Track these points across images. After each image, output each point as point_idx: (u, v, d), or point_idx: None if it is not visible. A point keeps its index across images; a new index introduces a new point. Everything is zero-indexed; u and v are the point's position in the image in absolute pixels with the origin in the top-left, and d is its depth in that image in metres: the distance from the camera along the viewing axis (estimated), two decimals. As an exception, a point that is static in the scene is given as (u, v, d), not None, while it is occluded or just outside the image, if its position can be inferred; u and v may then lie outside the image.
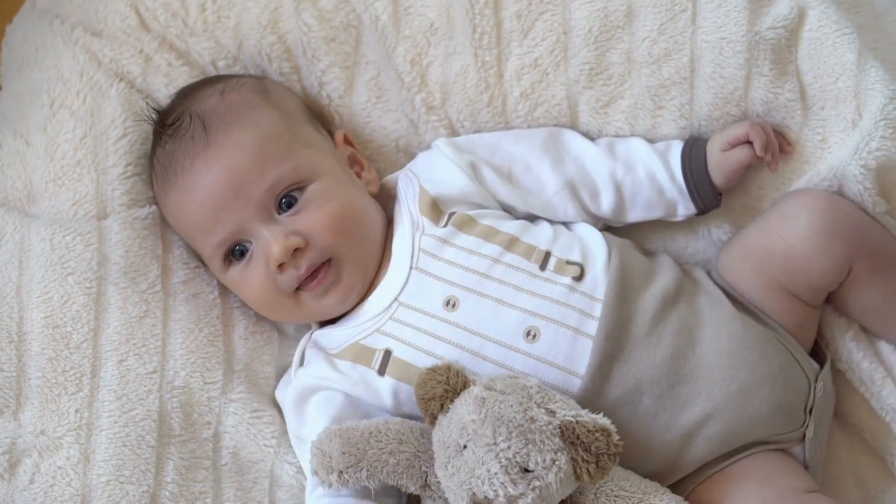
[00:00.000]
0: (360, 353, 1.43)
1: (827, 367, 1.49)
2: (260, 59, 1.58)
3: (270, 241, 1.42)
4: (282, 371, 1.55)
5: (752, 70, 1.48)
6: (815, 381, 1.46)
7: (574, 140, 1.54)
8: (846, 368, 1.52)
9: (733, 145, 1.47)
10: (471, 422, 1.26)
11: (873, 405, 1.51)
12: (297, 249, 1.42)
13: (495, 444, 1.24)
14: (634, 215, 1.54)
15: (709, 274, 1.52)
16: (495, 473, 1.23)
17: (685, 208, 1.52)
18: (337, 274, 1.45)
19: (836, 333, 1.52)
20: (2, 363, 1.43)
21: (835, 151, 1.49)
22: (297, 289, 1.44)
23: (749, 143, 1.46)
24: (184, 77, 1.57)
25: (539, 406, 1.27)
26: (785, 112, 1.50)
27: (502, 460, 1.24)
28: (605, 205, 1.52)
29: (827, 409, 1.49)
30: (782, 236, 1.44)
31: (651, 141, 1.54)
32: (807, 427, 1.44)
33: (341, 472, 1.32)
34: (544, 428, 1.25)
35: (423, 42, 1.55)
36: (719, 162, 1.49)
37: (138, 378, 1.44)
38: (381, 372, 1.41)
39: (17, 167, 1.52)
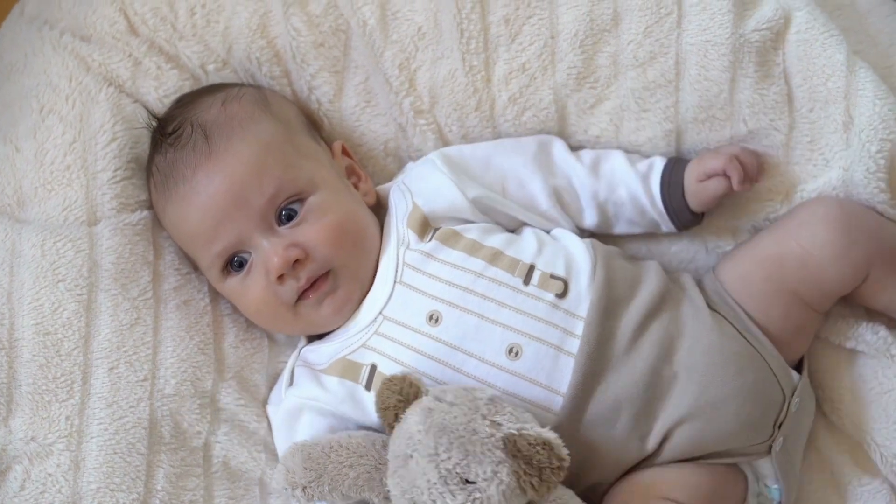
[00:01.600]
0: (346, 369, 1.44)
1: (805, 378, 1.49)
2: (249, 64, 1.58)
3: (270, 252, 1.42)
4: (272, 379, 1.56)
5: (737, 72, 1.48)
6: (792, 395, 1.45)
7: (561, 155, 1.55)
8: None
9: (709, 177, 1.48)
10: (416, 431, 1.27)
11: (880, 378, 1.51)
12: (296, 261, 1.42)
13: (437, 454, 1.25)
14: (619, 230, 1.57)
15: (699, 281, 1.52)
16: (434, 483, 1.24)
17: (667, 227, 1.54)
18: (334, 284, 1.45)
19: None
20: (-8, 370, 1.43)
21: (828, 155, 1.49)
22: (296, 302, 1.45)
23: (725, 175, 1.47)
24: (173, 81, 1.57)
25: (484, 418, 1.28)
26: (773, 114, 1.49)
27: (442, 471, 1.25)
28: (589, 222, 1.55)
29: (803, 420, 1.49)
30: (799, 242, 1.44)
31: (634, 147, 1.55)
32: (773, 440, 1.43)
33: (304, 486, 1.33)
34: (486, 440, 1.25)
35: (410, 46, 1.55)
36: (695, 192, 1.50)
37: (129, 386, 1.44)
38: (368, 387, 1.41)
39: (7, 173, 1.52)
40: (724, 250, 1.57)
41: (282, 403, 1.49)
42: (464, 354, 1.39)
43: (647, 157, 1.55)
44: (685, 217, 1.52)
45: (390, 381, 1.33)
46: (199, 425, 1.48)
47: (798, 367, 1.50)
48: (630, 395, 1.37)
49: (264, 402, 1.54)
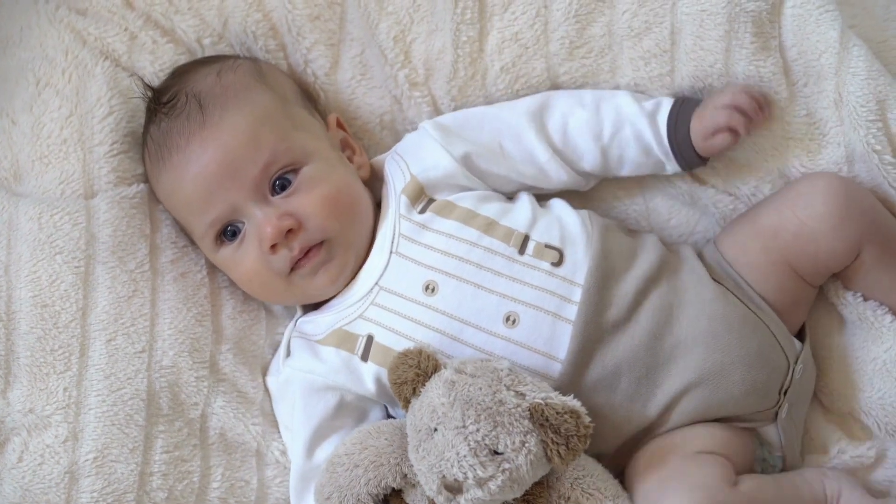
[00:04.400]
0: (343, 339, 1.44)
1: (807, 346, 1.50)
2: (245, 37, 1.58)
3: (264, 222, 1.42)
4: (270, 349, 1.57)
5: (731, 42, 1.48)
6: (795, 362, 1.46)
7: (559, 102, 1.52)
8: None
9: (714, 133, 1.46)
10: (440, 405, 1.27)
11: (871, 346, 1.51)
12: (289, 231, 1.42)
13: (464, 426, 1.25)
14: (624, 172, 1.53)
15: (699, 253, 1.52)
16: (464, 456, 1.24)
17: (672, 168, 1.51)
18: (328, 254, 1.45)
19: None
20: (-10, 342, 1.43)
21: (823, 129, 1.49)
22: (289, 272, 1.45)
23: (729, 129, 1.46)
24: (169, 54, 1.57)
25: (508, 389, 1.28)
26: (769, 87, 1.49)
27: (471, 443, 1.25)
28: (590, 164, 1.51)
29: (805, 388, 1.51)
30: (795, 213, 1.45)
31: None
32: (779, 407, 1.45)
33: None
34: (513, 410, 1.26)
35: (406, 18, 1.55)
36: (702, 148, 1.48)
37: (127, 357, 1.45)
38: (364, 358, 1.42)
39: (4, 146, 1.52)
40: (724, 216, 1.57)
41: (279, 374, 1.50)
42: (461, 323, 1.40)
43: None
44: (692, 159, 1.49)
45: (405, 356, 1.33)
46: (196, 396, 1.48)
47: (799, 337, 1.51)
48: (630, 360, 1.38)
49: (263, 373, 1.54)
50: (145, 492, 1.42)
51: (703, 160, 1.50)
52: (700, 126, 1.47)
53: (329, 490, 1.34)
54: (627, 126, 1.49)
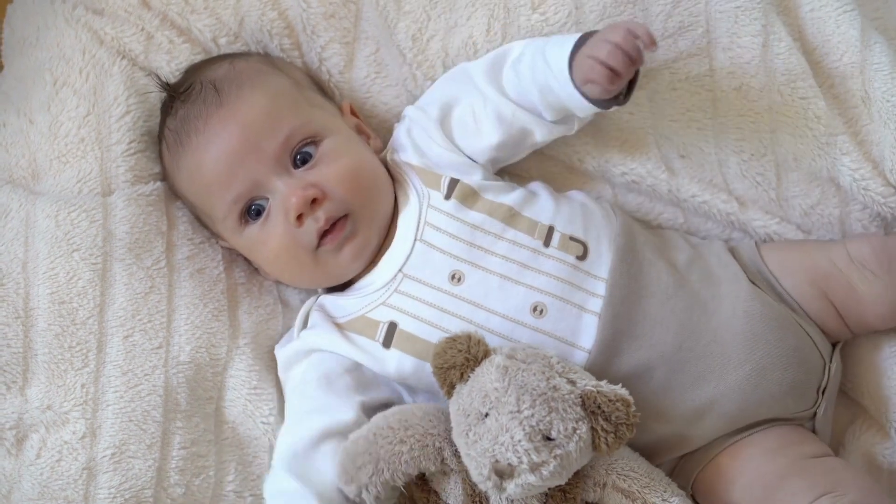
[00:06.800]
0: (365, 326, 1.44)
1: (838, 345, 1.50)
2: (261, 36, 1.59)
3: (288, 193, 1.42)
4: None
5: (769, 38, 1.48)
6: (830, 360, 1.46)
7: (507, 67, 1.47)
8: None
9: (585, 82, 1.37)
10: (493, 390, 1.27)
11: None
12: (314, 201, 1.41)
13: (519, 411, 1.25)
14: (578, 113, 1.44)
15: (732, 249, 1.51)
16: (519, 440, 1.24)
17: (581, 110, 1.42)
18: (353, 228, 1.44)
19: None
20: (8, 339, 1.44)
21: (856, 128, 1.49)
22: (316, 247, 1.44)
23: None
24: (185, 54, 1.58)
25: (561, 375, 1.29)
26: (807, 84, 1.48)
27: (526, 427, 1.25)
28: (549, 117, 1.46)
29: (836, 387, 1.50)
30: (850, 279, 1.45)
31: (671, 119, 1.52)
32: (818, 407, 1.45)
33: (366, 484, 1.32)
34: (567, 397, 1.26)
35: (423, 16, 1.56)
36: (585, 92, 1.38)
37: (144, 353, 1.45)
38: (387, 344, 1.42)
39: (22, 145, 1.53)
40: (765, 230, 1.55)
41: (291, 343, 1.49)
42: (487, 312, 1.40)
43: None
44: (597, 101, 1.39)
45: (454, 341, 1.33)
46: (212, 391, 1.48)
47: None
48: (662, 353, 1.38)
49: (275, 371, 1.53)
50: (163, 487, 1.42)
51: (608, 101, 1.39)
52: (576, 74, 1.37)
53: (364, 459, 1.32)
54: (539, 77, 1.42)
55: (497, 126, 1.48)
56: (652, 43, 1.32)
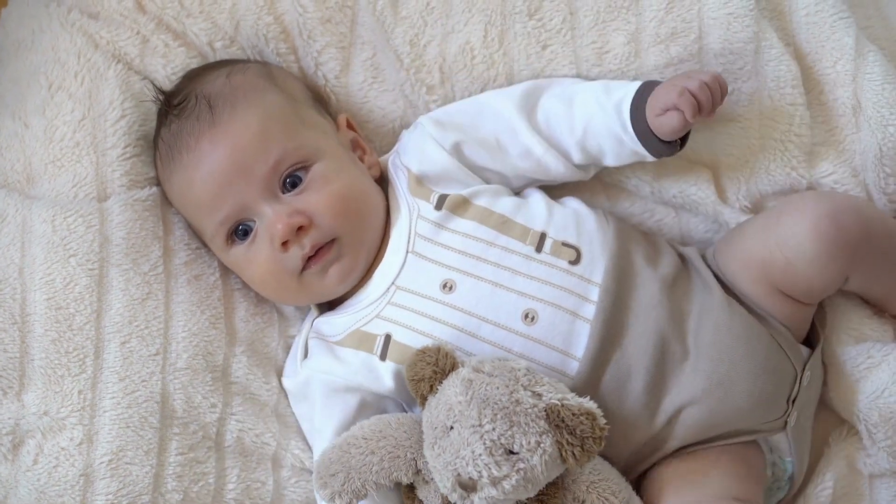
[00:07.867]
0: (361, 340, 1.45)
1: (817, 350, 1.49)
2: (257, 40, 1.58)
3: (274, 219, 1.42)
4: (284, 351, 1.57)
5: (761, 44, 1.48)
6: (803, 370, 1.46)
7: (544, 96, 1.51)
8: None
9: (664, 111, 1.40)
10: (457, 403, 1.28)
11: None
12: (300, 228, 1.42)
13: (480, 425, 1.26)
14: (610, 162, 1.49)
15: (703, 257, 1.51)
16: (479, 455, 1.25)
17: (644, 154, 1.46)
18: (339, 252, 1.45)
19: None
20: (5, 344, 1.43)
21: (839, 137, 1.50)
22: (301, 271, 1.45)
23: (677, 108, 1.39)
24: (181, 58, 1.57)
25: (525, 389, 1.29)
26: (797, 91, 1.49)
27: (486, 442, 1.25)
28: (577, 159, 1.50)
29: (813, 394, 1.50)
30: (784, 253, 1.41)
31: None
32: (788, 416, 1.44)
33: (339, 492, 1.33)
34: (529, 410, 1.27)
35: (419, 22, 1.56)
36: (655, 126, 1.42)
37: (141, 360, 1.45)
38: (383, 357, 1.43)
39: (16, 150, 1.53)
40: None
41: (297, 376, 1.50)
42: (479, 320, 1.40)
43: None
44: (657, 147, 1.44)
45: (423, 353, 1.34)
46: (211, 398, 1.48)
47: (808, 342, 1.51)
48: (642, 363, 1.38)
49: (277, 374, 1.55)
50: (160, 493, 1.42)
51: (670, 146, 1.44)
52: (652, 103, 1.42)
53: (337, 468, 1.33)
54: (597, 119, 1.46)
55: (521, 160, 1.50)
56: (722, 99, 1.40)
